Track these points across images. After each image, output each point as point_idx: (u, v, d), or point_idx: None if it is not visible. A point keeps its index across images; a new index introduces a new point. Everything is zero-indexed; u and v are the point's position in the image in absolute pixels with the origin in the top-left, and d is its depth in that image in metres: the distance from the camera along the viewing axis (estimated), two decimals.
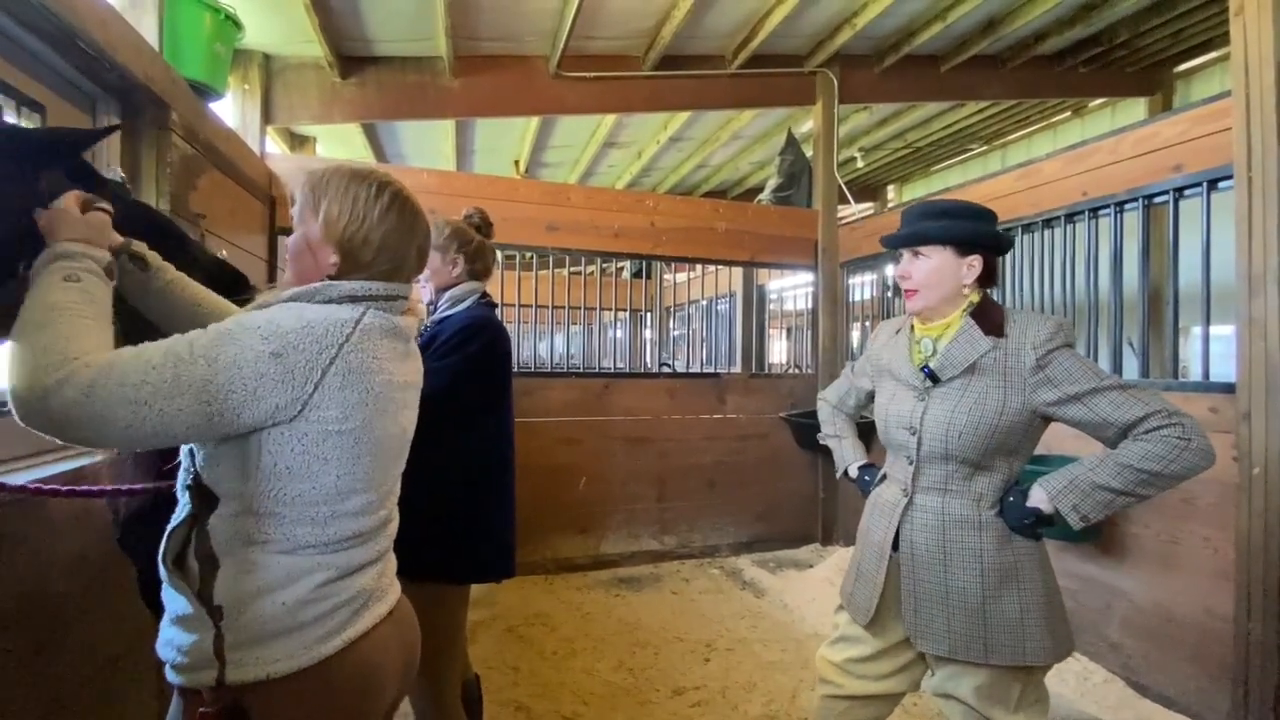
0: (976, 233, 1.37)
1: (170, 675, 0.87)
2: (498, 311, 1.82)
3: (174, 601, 0.87)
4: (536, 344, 6.57)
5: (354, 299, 0.94)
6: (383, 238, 0.98)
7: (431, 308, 1.75)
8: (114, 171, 1.74)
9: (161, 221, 1.25)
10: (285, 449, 0.85)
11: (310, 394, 0.85)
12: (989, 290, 1.43)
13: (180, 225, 1.33)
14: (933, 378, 1.37)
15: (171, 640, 0.87)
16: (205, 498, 0.86)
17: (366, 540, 0.96)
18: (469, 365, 1.59)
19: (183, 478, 0.89)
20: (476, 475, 1.64)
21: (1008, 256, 3.19)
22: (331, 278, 0.97)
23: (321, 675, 0.87)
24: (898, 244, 1.44)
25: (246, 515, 0.85)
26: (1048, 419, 1.33)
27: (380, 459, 0.95)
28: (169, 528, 0.87)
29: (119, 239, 1.07)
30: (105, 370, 0.74)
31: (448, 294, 1.72)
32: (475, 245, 1.75)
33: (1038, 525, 1.31)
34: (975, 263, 1.36)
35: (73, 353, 0.74)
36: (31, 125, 1.63)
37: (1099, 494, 1.24)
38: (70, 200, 0.89)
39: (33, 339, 0.75)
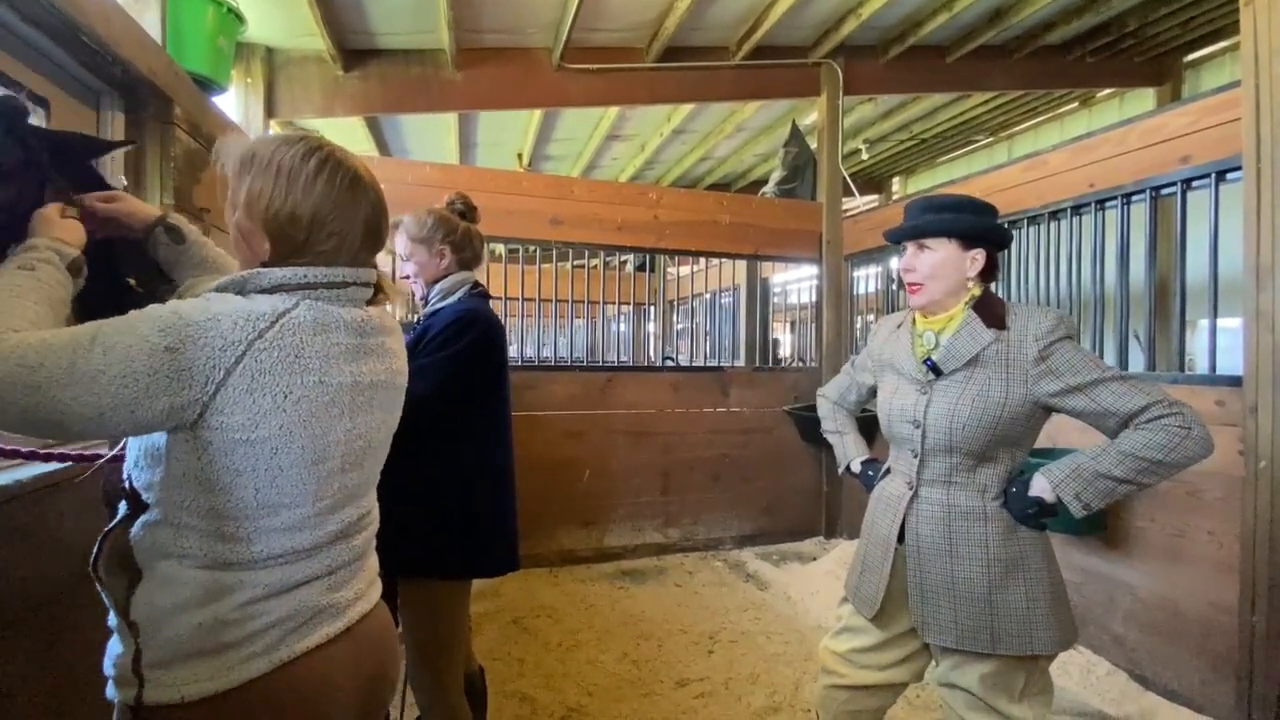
0: (980, 227, 1.37)
1: (108, 689, 0.83)
2: (498, 305, 1.80)
3: (110, 611, 0.84)
4: (540, 338, 6.58)
5: (286, 288, 0.83)
6: (314, 210, 0.85)
7: (423, 302, 1.70)
8: (118, 181, 1.78)
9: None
10: (191, 457, 0.78)
11: (210, 396, 0.76)
12: (990, 284, 1.43)
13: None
14: (935, 370, 1.37)
15: (110, 651, 0.83)
16: (135, 502, 0.82)
17: (311, 554, 0.87)
18: (461, 360, 1.54)
19: (125, 477, 0.85)
20: (473, 472, 1.61)
21: (1013, 249, 3.17)
22: (266, 264, 0.86)
23: (245, 699, 0.81)
24: (902, 237, 1.44)
25: (164, 526, 0.80)
26: (1049, 410, 1.33)
27: (318, 469, 0.85)
28: (105, 530, 0.83)
29: (154, 212, 1.06)
30: (13, 348, 0.69)
31: (438, 287, 1.67)
32: (461, 232, 1.69)
33: (1041, 515, 1.31)
34: (979, 256, 1.36)
35: None
36: (43, 124, 1.64)
37: (1101, 482, 1.25)
38: (52, 209, 0.89)
39: None
